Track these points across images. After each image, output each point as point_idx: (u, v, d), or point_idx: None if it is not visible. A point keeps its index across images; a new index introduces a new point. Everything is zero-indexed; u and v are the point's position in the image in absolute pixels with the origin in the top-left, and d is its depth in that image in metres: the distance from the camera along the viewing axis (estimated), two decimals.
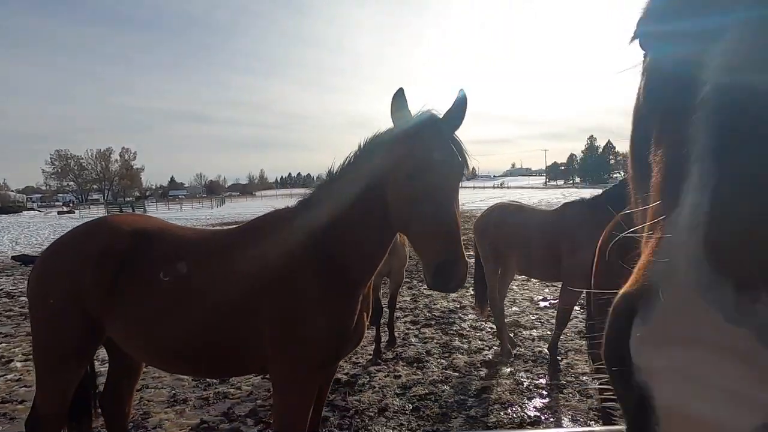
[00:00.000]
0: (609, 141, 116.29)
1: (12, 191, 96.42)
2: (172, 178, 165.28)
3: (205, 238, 2.31)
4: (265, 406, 3.70)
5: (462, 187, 1.98)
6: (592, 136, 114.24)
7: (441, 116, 1.82)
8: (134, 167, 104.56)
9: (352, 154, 2.05)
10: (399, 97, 1.81)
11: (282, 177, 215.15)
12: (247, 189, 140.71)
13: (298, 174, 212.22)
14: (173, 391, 4.02)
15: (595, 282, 2.58)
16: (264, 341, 2.03)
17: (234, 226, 2.49)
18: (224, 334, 2.08)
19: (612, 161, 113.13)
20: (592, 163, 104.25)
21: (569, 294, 4.17)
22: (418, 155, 1.75)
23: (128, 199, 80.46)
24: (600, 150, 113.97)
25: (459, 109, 1.82)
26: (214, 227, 14.57)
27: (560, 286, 4.48)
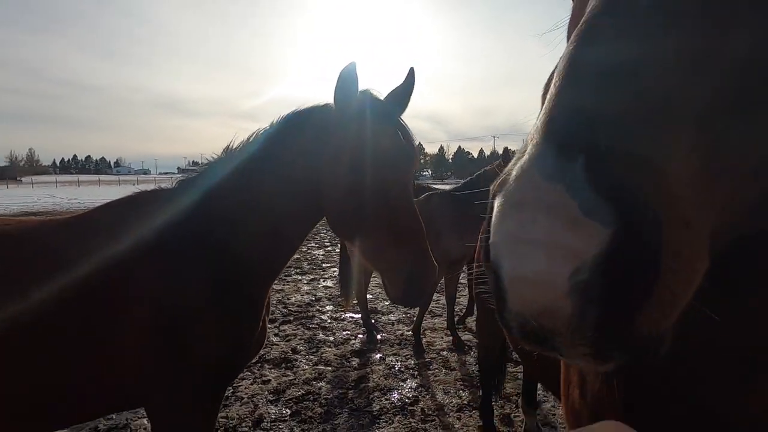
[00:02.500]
0: (420, 143, 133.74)
1: None
2: None
3: (27, 235, 1.57)
4: None
5: None
6: None
7: (383, 97, 1.57)
8: None
9: (261, 130, 1.66)
10: (350, 73, 1.44)
11: (64, 159, 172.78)
12: (7, 173, 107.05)
13: (87, 157, 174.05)
14: None
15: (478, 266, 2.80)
16: (132, 365, 1.50)
17: (69, 215, 1.76)
18: (74, 371, 1.46)
19: (423, 161, 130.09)
20: None
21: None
22: (364, 142, 1.44)
23: None
24: None
25: (408, 89, 1.60)
26: None
27: None
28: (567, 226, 0.37)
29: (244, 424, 3.15)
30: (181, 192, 1.68)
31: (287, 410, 3.34)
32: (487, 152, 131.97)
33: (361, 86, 1.51)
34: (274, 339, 4.78)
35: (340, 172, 1.46)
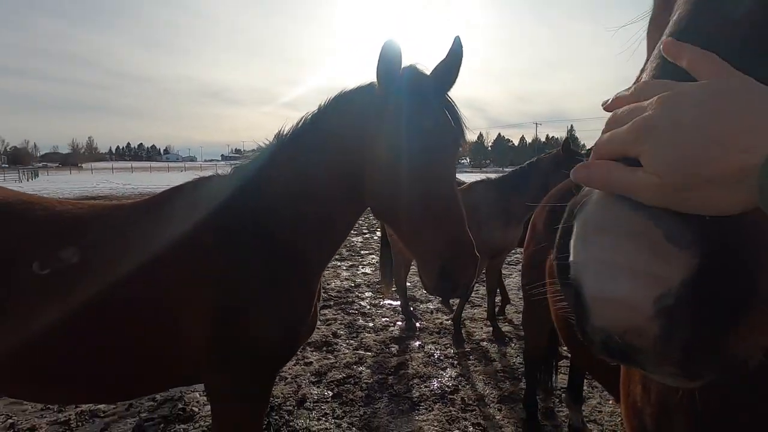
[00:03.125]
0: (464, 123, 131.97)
1: None
2: None
3: (99, 215, 1.68)
4: (152, 419, 3.05)
5: None
6: None
7: (429, 73, 1.46)
8: None
9: (309, 114, 1.65)
10: (392, 48, 1.36)
11: (118, 147, 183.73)
12: (70, 160, 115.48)
13: (140, 145, 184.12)
14: (9, 420, 3.02)
15: (526, 253, 2.72)
16: (191, 346, 1.57)
17: (133, 199, 1.87)
18: (137, 342, 1.56)
19: None
20: None
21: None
22: (403, 120, 1.37)
23: None
24: None
25: (454, 63, 1.45)
26: None
27: None
28: (651, 253, 0.37)
29: (288, 403, 3.27)
30: (238, 178, 1.72)
31: (329, 392, 3.43)
32: (529, 139, 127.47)
33: (406, 62, 1.44)
34: (316, 323, 4.91)
35: (380, 153, 1.41)
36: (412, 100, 1.39)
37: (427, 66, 1.50)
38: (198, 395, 3.33)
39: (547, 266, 2.17)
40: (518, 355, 4.05)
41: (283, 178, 1.65)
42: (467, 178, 5.39)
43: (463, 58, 1.47)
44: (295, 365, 3.86)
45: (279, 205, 1.65)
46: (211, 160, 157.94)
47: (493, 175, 4.92)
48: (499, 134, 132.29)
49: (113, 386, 1.66)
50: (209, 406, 3.25)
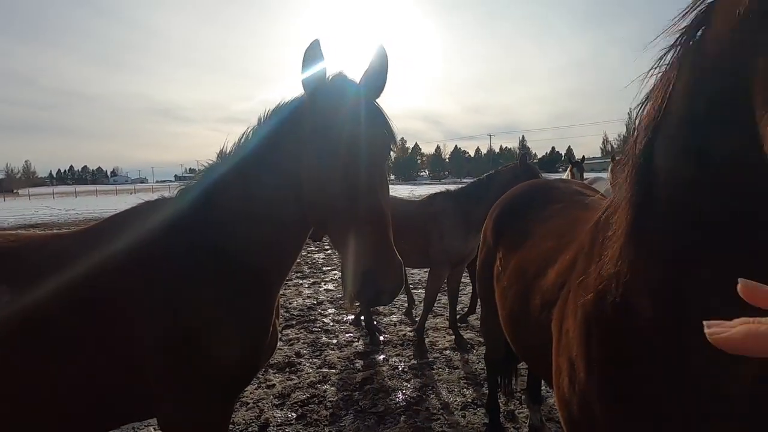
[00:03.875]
0: (416, 143, 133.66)
1: None
2: None
3: (35, 248, 1.59)
4: None
5: None
6: (402, 138, 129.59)
7: (357, 80, 1.48)
8: None
9: (249, 130, 1.64)
10: (313, 51, 1.34)
11: (59, 171, 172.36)
12: (5, 185, 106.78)
13: (84, 167, 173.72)
14: None
15: (479, 259, 2.81)
16: (143, 377, 1.50)
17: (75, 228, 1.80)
18: (82, 379, 1.47)
19: (419, 161, 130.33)
20: (403, 163, 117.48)
21: (437, 279, 4.51)
22: (329, 129, 1.36)
23: None
24: (410, 151, 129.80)
25: (381, 68, 1.46)
26: None
27: (427, 272, 4.80)
28: None
29: (250, 429, 3.16)
30: (182, 201, 1.69)
31: (293, 414, 3.35)
32: (484, 150, 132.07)
33: (335, 69, 1.45)
34: (278, 343, 4.79)
35: (311, 162, 1.41)
36: (340, 108, 1.38)
37: (357, 74, 1.50)
38: (152, 429, 3.15)
39: (495, 271, 2.26)
40: (480, 361, 4.13)
41: (231, 194, 1.63)
42: (426, 190, 5.49)
43: (389, 65, 1.48)
44: (256, 389, 3.75)
45: (229, 222, 1.63)
46: (164, 181, 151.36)
47: (452, 187, 5.05)
48: (456, 146, 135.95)
49: (57, 427, 1.55)
50: None
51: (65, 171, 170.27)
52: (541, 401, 3.08)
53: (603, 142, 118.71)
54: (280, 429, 3.17)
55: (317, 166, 1.40)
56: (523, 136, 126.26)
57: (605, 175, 8.58)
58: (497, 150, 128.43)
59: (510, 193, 2.62)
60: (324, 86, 1.42)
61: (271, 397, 3.62)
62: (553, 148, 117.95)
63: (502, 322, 2.11)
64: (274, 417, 3.31)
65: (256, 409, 3.43)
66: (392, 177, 3.95)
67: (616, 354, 1.06)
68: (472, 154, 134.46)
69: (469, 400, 3.50)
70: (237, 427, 3.18)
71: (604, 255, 1.08)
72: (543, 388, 3.20)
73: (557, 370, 1.37)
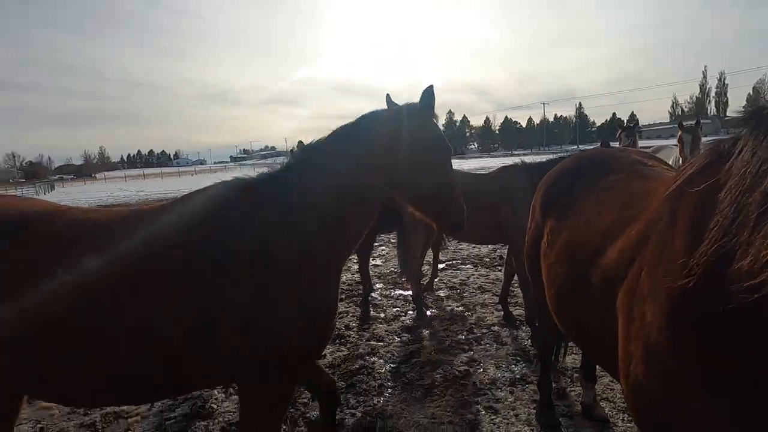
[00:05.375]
0: (465, 116, 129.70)
1: None
2: None
3: (126, 221, 1.75)
4: (173, 418, 3.16)
5: None
6: (450, 110, 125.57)
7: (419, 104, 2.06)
8: None
9: (343, 126, 2.03)
10: (430, 93, 2.05)
11: (129, 155, 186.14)
12: (84, 170, 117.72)
13: (150, 152, 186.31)
14: (39, 425, 3.15)
15: (528, 234, 2.71)
16: (227, 344, 1.62)
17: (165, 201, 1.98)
18: (168, 346, 1.61)
19: (468, 134, 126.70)
20: (451, 135, 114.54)
21: (519, 255, 4.34)
22: (434, 130, 2.06)
23: None
24: (458, 124, 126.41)
25: (431, 102, 2.08)
26: None
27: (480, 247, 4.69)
28: None
29: (303, 396, 3.34)
30: (268, 182, 1.90)
31: (343, 383, 3.50)
32: (537, 120, 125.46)
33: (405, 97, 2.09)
34: None
35: (407, 155, 1.97)
36: (433, 118, 2.09)
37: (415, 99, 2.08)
38: (216, 392, 3.43)
39: (542, 247, 2.17)
40: (529, 338, 4.06)
41: (329, 176, 1.88)
42: (477, 163, 5.32)
43: (435, 101, 2.07)
44: None
45: (325, 199, 1.85)
46: (221, 162, 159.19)
47: (527, 159, 4.77)
48: (506, 117, 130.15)
49: (145, 389, 1.73)
50: (227, 403, 3.35)
51: (134, 155, 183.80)
52: (595, 380, 2.98)
53: (672, 105, 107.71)
54: None
55: (412, 156, 1.96)
56: (579, 103, 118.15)
57: (672, 142, 7.86)
58: (551, 119, 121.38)
59: (559, 165, 2.49)
60: (406, 108, 2.07)
61: (323, 366, 3.78)
62: (613, 114, 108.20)
63: (548, 300, 2.04)
64: None
65: None
66: None
67: (734, 347, 0.95)
68: (523, 124, 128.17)
69: (518, 376, 3.46)
70: None
71: (756, 237, 0.90)
72: (598, 366, 3.09)
73: (626, 357, 1.28)
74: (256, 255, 1.68)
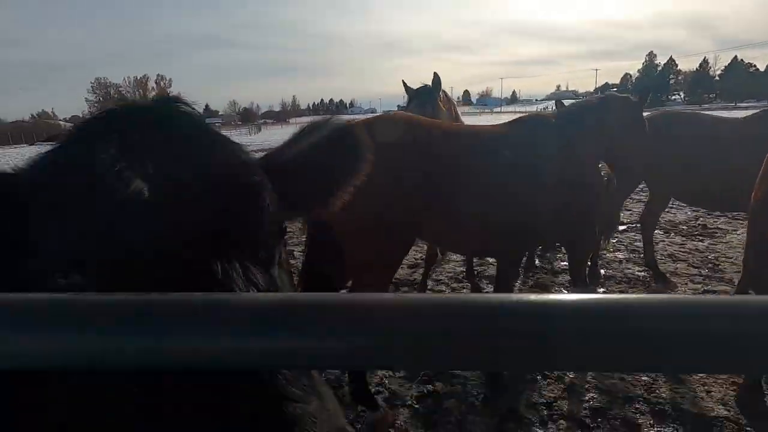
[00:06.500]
0: (671, 58, 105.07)
1: (61, 120, 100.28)
2: (206, 106, 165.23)
3: (492, 135, 2.70)
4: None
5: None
6: (651, 52, 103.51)
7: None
8: (170, 94, 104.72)
9: (580, 102, 3.27)
10: (645, 95, 3.18)
11: (314, 103, 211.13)
12: (281, 116, 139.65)
13: (330, 100, 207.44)
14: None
15: (755, 199, 2.24)
16: (565, 221, 2.73)
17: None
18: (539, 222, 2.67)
19: (672, 81, 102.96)
20: (650, 83, 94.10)
21: None
22: (629, 120, 2.97)
23: None
24: (659, 68, 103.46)
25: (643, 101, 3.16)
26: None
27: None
28: None
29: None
30: (568, 121, 2.87)
31: None
32: None
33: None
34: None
35: (636, 129, 3.04)
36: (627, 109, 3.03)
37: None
38: None
39: None
40: None
41: (593, 131, 2.85)
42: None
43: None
44: None
45: (594, 145, 2.87)
46: (389, 110, 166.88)
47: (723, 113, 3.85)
48: (735, 57, 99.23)
49: (509, 245, 2.86)
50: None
51: (317, 104, 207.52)
52: None
53: None
54: None
55: (641, 135, 3.04)
56: None
57: None
58: None
59: None
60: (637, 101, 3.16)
61: None
62: None
63: None
64: None
65: None
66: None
67: None
68: (761, 67, 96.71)
69: None
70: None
71: None
72: None
73: None
74: (578, 178, 2.69)
